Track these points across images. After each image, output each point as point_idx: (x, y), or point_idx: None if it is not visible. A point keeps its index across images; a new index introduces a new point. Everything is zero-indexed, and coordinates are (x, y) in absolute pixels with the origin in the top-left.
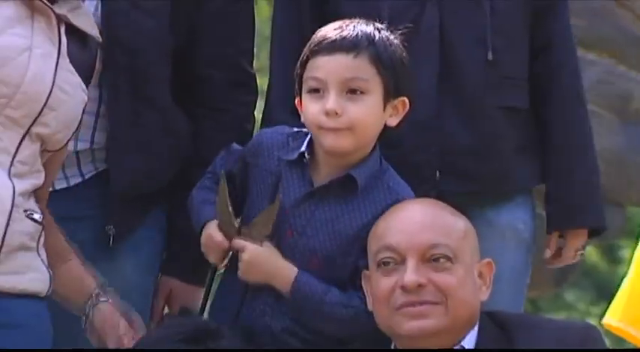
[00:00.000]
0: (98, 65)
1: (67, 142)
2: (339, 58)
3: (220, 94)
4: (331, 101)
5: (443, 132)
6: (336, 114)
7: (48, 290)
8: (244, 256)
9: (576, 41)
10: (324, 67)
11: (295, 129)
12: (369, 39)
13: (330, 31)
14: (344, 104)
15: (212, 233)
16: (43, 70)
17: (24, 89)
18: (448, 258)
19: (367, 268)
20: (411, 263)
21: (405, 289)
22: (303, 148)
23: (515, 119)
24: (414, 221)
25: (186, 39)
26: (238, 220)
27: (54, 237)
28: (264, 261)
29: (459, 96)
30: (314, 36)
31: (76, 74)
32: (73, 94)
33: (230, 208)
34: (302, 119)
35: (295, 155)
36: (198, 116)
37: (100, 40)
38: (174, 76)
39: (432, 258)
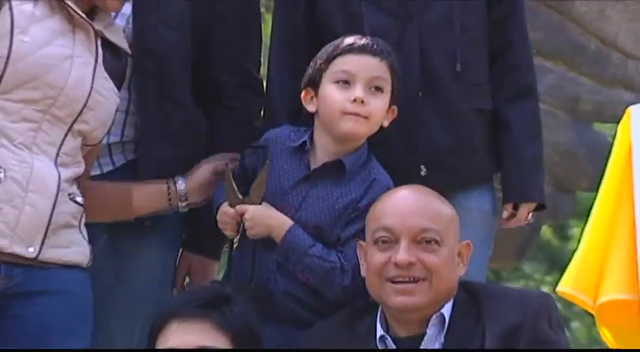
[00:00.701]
0: (128, 72)
1: (103, 138)
2: (369, 58)
3: (232, 96)
4: (360, 91)
5: (426, 134)
6: (362, 102)
7: (88, 262)
8: (247, 215)
9: (535, 51)
10: (355, 63)
11: (296, 128)
12: (388, 51)
13: (357, 38)
14: (368, 96)
15: (224, 208)
16: (82, 75)
17: (67, 92)
18: (436, 241)
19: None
20: (403, 243)
21: (397, 265)
22: (305, 138)
23: (483, 119)
24: (408, 206)
25: (203, 48)
26: (240, 196)
27: (106, 189)
28: (263, 215)
29: (439, 102)
30: (340, 41)
31: (110, 80)
32: (108, 97)
33: (234, 186)
34: (310, 109)
35: (298, 143)
36: (214, 114)
37: (130, 52)
38: (194, 80)
39: (422, 240)
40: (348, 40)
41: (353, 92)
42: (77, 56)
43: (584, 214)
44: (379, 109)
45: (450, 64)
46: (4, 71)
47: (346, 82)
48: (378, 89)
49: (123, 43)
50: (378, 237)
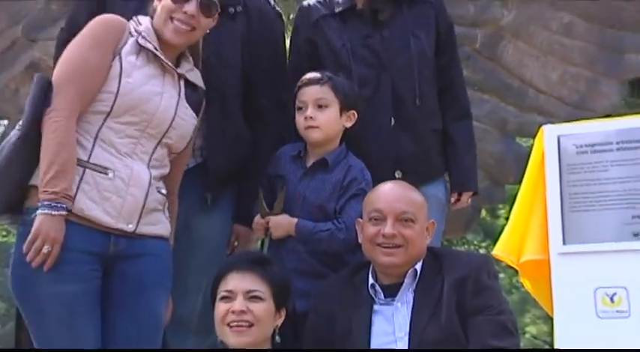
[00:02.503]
0: (203, 102)
1: (186, 148)
2: (312, 87)
3: (269, 116)
4: (309, 111)
5: (398, 148)
6: (311, 118)
7: (169, 235)
8: (270, 223)
9: (476, 88)
10: (305, 93)
11: (296, 144)
12: (329, 76)
13: (310, 75)
14: (315, 112)
15: (256, 219)
16: (169, 106)
17: (157, 117)
18: (412, 220)
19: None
20: (389, 221)
21: (384, 236)
22: (300, 148)
23: (436, 135)
24: (393, 195)
25: (249, 82)
26: (267, 210)
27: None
28: (280, 222)
29: (406, 126)
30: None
31: (190, 109)
32: (187, 120)
33: (264, 204)
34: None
35: (296, 152)
36: (256, 128)
37: (204, 88)
38: (243, 104)
39: (402, 219)
40: (303, 78)
41: (304, 113)
42: (165, 92)
43: (511, 200)
44: (326, 119)
45: (413, 99)
46: (114, 102)
47: (300, 108)
48: (321, 106)
49: (199, 82)
50: (372, 216)
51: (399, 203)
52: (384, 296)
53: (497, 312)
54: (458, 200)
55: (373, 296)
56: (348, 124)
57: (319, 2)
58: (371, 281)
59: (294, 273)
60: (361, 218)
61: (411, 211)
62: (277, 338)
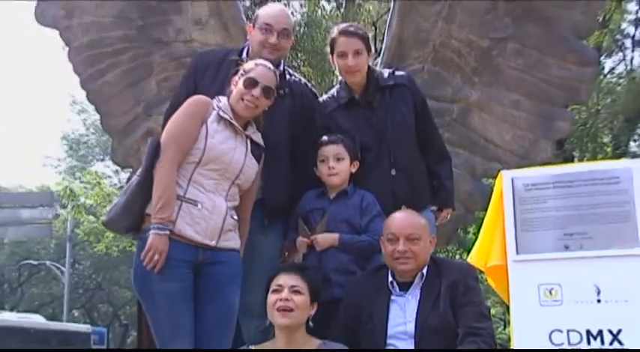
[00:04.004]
0: (263, 156)
1: (251, 187)
2: (331, 146)
3: (303, 162)
4: (331, 163)
5: (397, 191)
6: (333, 168)
7: (240, 248)
8: (318, 238)
9: (454, 145)
10: (326, 149)
11: (315, 189)
12: (341, 138)
13: (328, 137)
14: (335, 164)
15: (299, 240)
16: (240, 158)
17: (232, 166)
18: (417, 239)
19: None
20: (401, 241)
21: (398, 252)
22: (322, 190)
23: (423, 177)
24: (403, 221)
25: (293, 140)
26: (309, 232)
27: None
28: (326, 237)
29: (402, 174)
30: (320, 139)
31: (254, 160)
32: (253, 168)
33: (306, 228)
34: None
35: (319, 192)
36: (296, 174)
37: (264, 146)
38: (290, 158)
39: (410, 238)
40: (323, 139)
41: (327, 164)
42: (237, 148)
43: (478, 222)
44: (342, 168)
45: (405, 156)
46: (202, 156)
47: (322, 160)
48: (340, 159)
49: (260, 142)
50: (388, 237)
51: (408, 228)
52: (399, 290)
53: (477, 304)
54: (440, 212)
55: (391, 289)
56: (354, 170)
57: (329, 97)
58: (390, 279)
59: (334, 271)
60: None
61: (417, 232)
62: (310, 323)
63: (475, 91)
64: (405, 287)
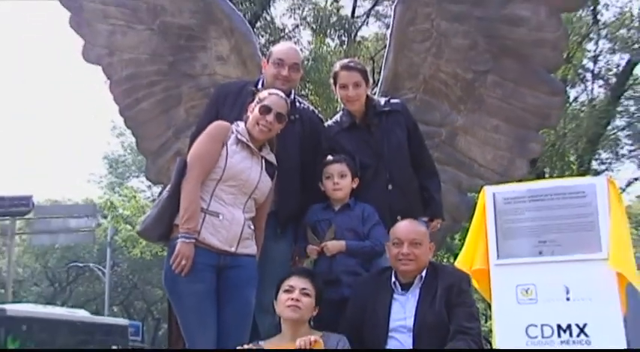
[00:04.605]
0: (275, 173)
1: (266, 201)
2: (335, 164)
3: (312, 179)
4: (335, 180)
5: (392, 203)
6: (337, 183)
7: (256, 254)
8: (328, 245)
9: (442, 163)
10: (331, 167)
11: (320, 203)
12: (344, 158)
13: (332, 157)
14: (339, 180)
15: (309, 247)
16: (255, 176)
17: (249, 183)
18: (419, 244)
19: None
20: (405, 245)
21: (402, 254)
22: (326, 204)
23: (416, 192)
24: (407, 229)
25: (303, 163)
26: (318, 240)
27: (259, 237)
28: (335, 244)
29: (398, 189)
30: (325, 159)
31: (268, 177)
32: (267, 184)
33: (314, 236)
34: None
35: (325, 205)
36: (305, 189)
37: (276, 165)
38: (299, 176)
39: (413, 243)
40: (329, 158)
41: (332, 180)
42: (253, 167)
43: (464, 231)
44: (346, 184)
45: (399, 173)
46: (222, 174)
47: (328, 177)
48: (343, 176)
49: (273, 161)
50: (394, 241)
51: (412, 233)
52: (401, 290)
53: (469, 306)
54: (430, 222)
55: (393, 288)
56: (355, 185)
57: (333, 122)
58: (393, 279)
59: (344, 273)
60: (388, 241)
61: (419, 238)
62: (311, 323)
63: (461, 117)
64: (406, 287)
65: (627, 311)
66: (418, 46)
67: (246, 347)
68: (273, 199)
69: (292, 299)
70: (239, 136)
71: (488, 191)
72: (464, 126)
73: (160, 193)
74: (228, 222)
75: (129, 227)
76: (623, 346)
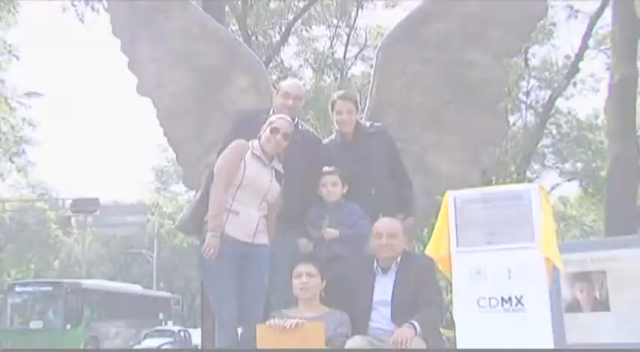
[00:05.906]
0: (283, 180)
1: (275, 202)
2: (330, 176)
3: (311, 185)
4: (329, 188)
5: (374, 203)
6: (330, 191)
7: (269, 243)
8: (327, 232)
9: (419, 172)
10: (325, 179)
11: (318, 204)
12: (336, 170)
13: (328, 169)
14: (333, 188)
15: (311, 232)
16: (267, 182)
17: (262, 188)
18: (396, 236)
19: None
20: (384, 237)
21: (382, 245)
22: (324, 204)
23: (392, 197)
24: (386, 224)
25: (305, 173)
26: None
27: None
28: (332, 232)
29: (380, 193)
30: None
31: (277, 183)
32: (276, 189)
33: (315, 229)
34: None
35: (322, 206)
36: (309, 194)
37: (284, 174)
38: (302, 182)
39: (390, 235)
40: (325, 170)
41: (327, 188)
42: (265, 176)
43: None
44: (338, 191)
45: (380, 181)
46: (241, 181)
47: (324, 185)
48: (335, 184)
49: (281, 170)
50: (375, 234)
51: (389, 228)
52: (382, 272)
53: (434, 284)
54: (405, 220)
55: (376, 272)
56: (345, 191)
57: (329, 141)
58: (375, 264)
59: (339, 253)
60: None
61: (395, 232)
62: (322, 294)
63: (429, 136)
64: (385, 270)
65: (552, 285)
66: (395, 82)
67: (273, 316)
68: (281, 201)
69: (302, 283)
70: (254, 151)
71: (450, 195)
72: (432, 143)
73: (194, 196)
74: (246, 218)
75: (171, 222)
76: (548, 311)
